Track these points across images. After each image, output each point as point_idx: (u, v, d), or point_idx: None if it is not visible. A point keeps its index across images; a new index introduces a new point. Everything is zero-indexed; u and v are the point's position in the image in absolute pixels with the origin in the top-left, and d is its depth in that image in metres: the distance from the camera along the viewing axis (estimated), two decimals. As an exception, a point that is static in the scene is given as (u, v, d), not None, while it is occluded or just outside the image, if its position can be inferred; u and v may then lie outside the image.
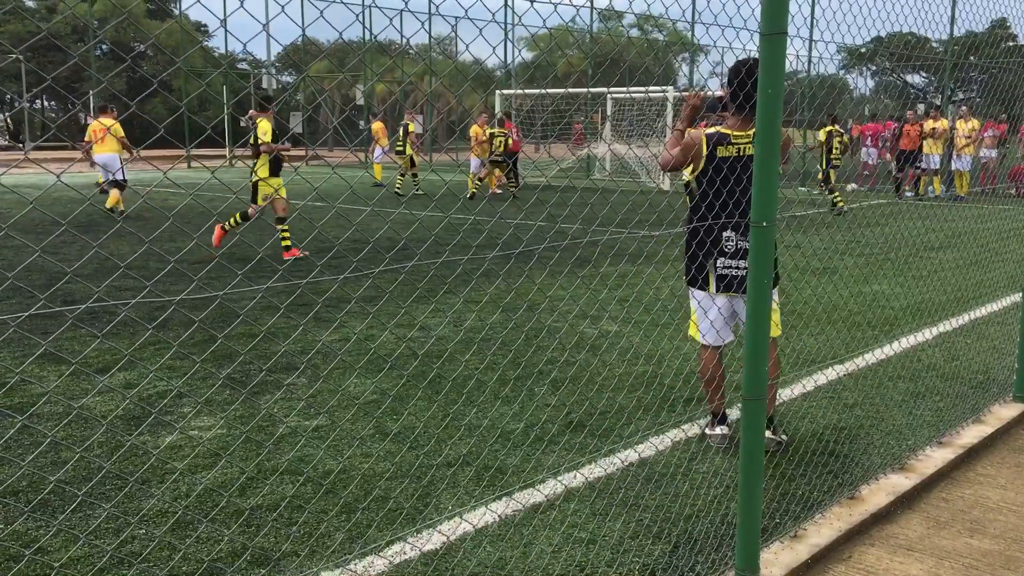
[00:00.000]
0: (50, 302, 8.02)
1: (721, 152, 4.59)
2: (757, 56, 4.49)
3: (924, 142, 20.46)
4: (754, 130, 4.51)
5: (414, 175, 21.11)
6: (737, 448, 4.42)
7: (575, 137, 21.36)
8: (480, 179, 20.44)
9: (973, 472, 4.64)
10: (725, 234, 4.60)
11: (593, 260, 10.53)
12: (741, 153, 4.54)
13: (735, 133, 4.56)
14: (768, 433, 4.62)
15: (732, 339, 4.83)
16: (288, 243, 10.81)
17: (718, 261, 4.64)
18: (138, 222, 14.16)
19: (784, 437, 4.73)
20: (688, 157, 4.66)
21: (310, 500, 4.01)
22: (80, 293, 8.46)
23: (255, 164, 10.78)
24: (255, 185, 10.87)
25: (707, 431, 4.85)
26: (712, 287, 4.68)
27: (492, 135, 20.46)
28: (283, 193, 10.79)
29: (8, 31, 39.67)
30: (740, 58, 4.54)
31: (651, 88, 23.27)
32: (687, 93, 4.91)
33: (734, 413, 4.97)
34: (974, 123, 20.17)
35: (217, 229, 10.92)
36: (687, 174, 4.75)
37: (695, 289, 4.78)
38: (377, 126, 24.42)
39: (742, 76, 4.39)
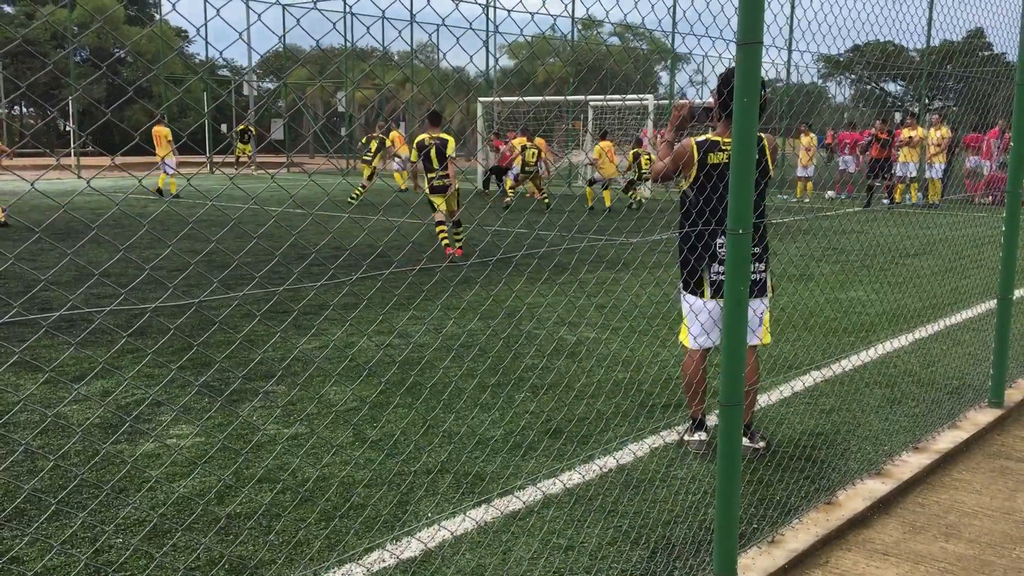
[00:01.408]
0: (26, 310, 7.96)
1: (712, 159, 4.63)
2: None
3: (901, 150, 20.65)
4: None
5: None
6: (715, 454, 4.44)
7: (503, 159, 21.26)
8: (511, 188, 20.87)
9: (949, 477, 4.68)
10: (718, 241, 4.62)
11: (571, 267, 10.55)
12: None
13: (725, 140, 4.59)
14: (744, 440, 4.64)
15: (715, 344, 4.84)
16: (447, 241, 11.82)
17: (712, 267, 4.67)
18: (116, 229, 14.08)
19: (761, 443, 4.75)
20: (679, 166, 4.69)
21: (288, 508, 3.99)
22: (57, 301, 8.40)
23: (436, 176, 11.78)
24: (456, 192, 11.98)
25: (686, 437, 4.86)
26: (707, 293, 4.70)
27: (524, 147, 20.39)
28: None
29: (-15, 37, 39.34)
30: (729, 67, 4.57)
31: (629, 96, 23.35)
32: (675, 102, 4.93)
33: (713, 419, 4.99)
34: (944, 131, 20.36)
35: (447, 251, 11.72)
36: (682, 183, 4.78)
37: (687, 294, 4.80)
38: (394, 135, 24.59)
39: (731, 84, 4.42)
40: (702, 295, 4.72)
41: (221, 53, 2.02)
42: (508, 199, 20.63)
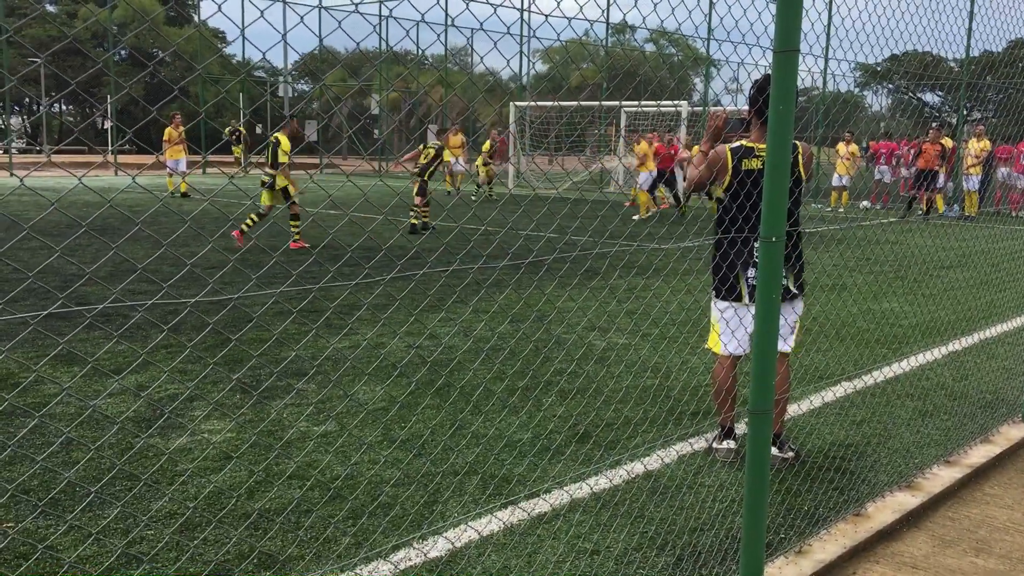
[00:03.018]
0: (65, 303, 8.09)
1: (746, 165, 4.63)
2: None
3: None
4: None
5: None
6: (744, 462, 4.43)
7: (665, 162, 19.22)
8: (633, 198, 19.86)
9: (980, 492, 4.63)
10: (757, 244, 4.58)
11: (603, 272, 10.55)
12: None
13: (759, 146, 4.59)
14: (773, 450, 4.62)
15: (746, 351, 4.80)
16: (245, 228, 12.57)
17: (749, 272, 4.65)
18: (153, 226, 14.26)
19: (790, 453, 4.72)
20: (713, 173, 4.69)
21: (317, 504, 4.03)
22: (94, 295, 8.53)
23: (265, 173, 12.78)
24: (284, 190, 12.73)
25: (714, 445, 4.85)
26: (745, 297, 4.67)
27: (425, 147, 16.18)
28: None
29: (28, 35, 40.05)
30: (764, 73, 4.56)
31: (663, 102, 23.30)
32: (710, 111, 4.90)
33: (742, 428, 4.97)
34: (986, 143, 20.14)
35: (238, 235, 12.57)
36: (716, 189, 4.77)
37: (719, 300, 4.80)
38: (456, 140, 24.79)
39: (766, 91, 4.39)
40: (737, 299, 4.70)
41: (264, 54, 2.06)
42: (654, 209, 19.27)
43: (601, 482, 4.37)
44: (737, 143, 4.70)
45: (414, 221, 15.31)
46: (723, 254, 4.72)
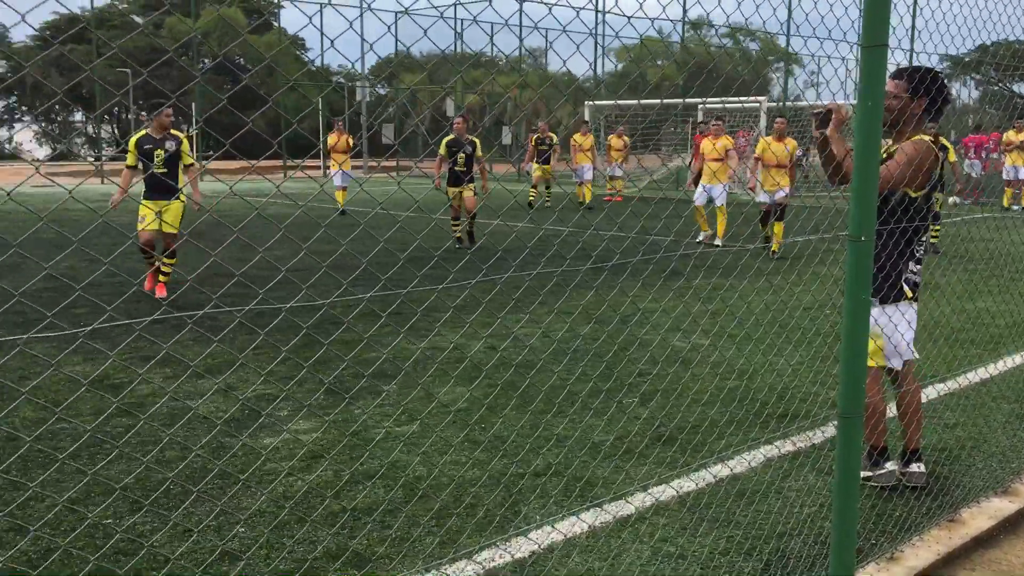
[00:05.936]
0: (168, 309, 8.34)
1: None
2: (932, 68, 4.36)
3: (1009, 154, 19.99)
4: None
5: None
6: (902, 486, 4.34)
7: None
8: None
9: (1083, 498, 4.46)
10: (917, 238, 4.38)
11: (686, 273, 10.45)
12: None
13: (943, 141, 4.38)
14: (916, 466, 4.39)
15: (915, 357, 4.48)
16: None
17: (910, 265, 4.35)
18: (245, 232, 14.59)
19: (920, 469, 4.42)
20: (925, 167, 4.22)
21: (403, 505, 4.08)
22: (182, 299, 8.78)
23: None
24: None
25: (867, 472, 4.38)
26: (909, 293, 4.35)
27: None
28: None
29: (119, 45, 41.30)
30: (925, 67, 4.27)
31: (742, 98, 22.94)
32: (831, 104, 4.45)
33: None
34: None
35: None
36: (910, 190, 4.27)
37: (887, 305, 4.32)
38: (586, 141, 22.36)
39: (939, 82, 4.24)
40: (903, 298, 4.33)
41: (311, 55, 2.10)
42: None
43: (685, 485, 4.34)
44: (927, 137, 4.32)
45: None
46: (887, 253, 4.27)
